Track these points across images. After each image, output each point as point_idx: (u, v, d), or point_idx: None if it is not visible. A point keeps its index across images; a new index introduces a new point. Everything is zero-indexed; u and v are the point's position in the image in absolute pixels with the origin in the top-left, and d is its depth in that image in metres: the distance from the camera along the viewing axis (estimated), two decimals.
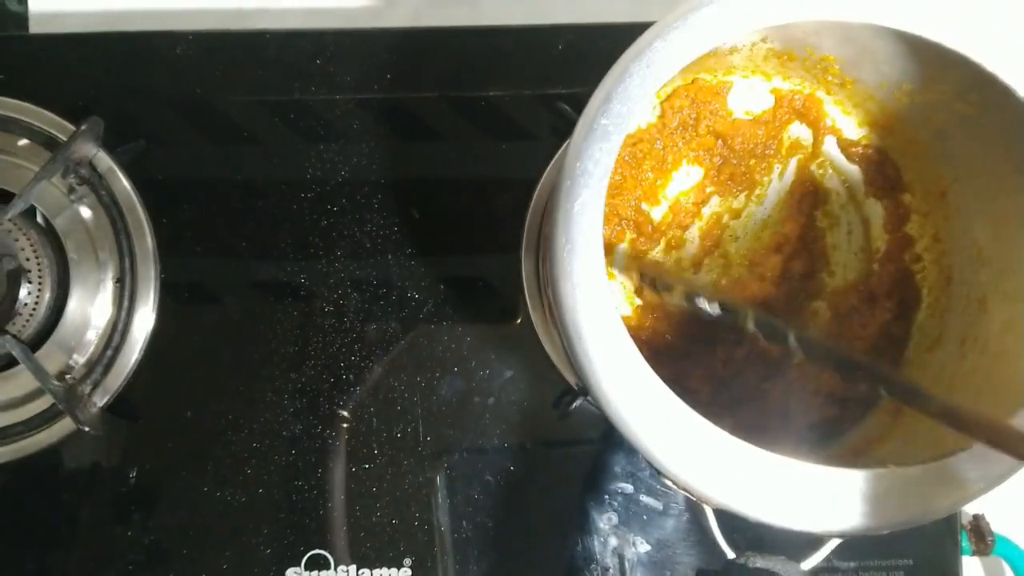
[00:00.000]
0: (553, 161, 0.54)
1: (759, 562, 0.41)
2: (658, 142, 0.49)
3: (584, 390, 0.51)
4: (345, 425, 0.53)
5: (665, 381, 0.35)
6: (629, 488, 0.53)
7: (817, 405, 0.47)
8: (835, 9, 0.38)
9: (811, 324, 0.49)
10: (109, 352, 0.52)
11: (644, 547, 0.53)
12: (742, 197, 0.50)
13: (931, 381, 0.44)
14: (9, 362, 0.52)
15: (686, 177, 0.50)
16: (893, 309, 0.47)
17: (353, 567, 0.52)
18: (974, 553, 0.54)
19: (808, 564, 0.44)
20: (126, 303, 0.53)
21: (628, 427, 0.35)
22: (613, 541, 0.53)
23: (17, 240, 0.52)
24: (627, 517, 0.53)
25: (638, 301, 0.50)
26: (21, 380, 0.52)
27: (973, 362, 0.42)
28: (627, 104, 0.36)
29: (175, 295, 0.54)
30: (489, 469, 0.53)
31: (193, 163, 0.56)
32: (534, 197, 0.54)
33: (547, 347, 0.54)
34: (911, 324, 0.47)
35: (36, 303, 0.52)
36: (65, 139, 0.53)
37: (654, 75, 0.36)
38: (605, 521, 0.53)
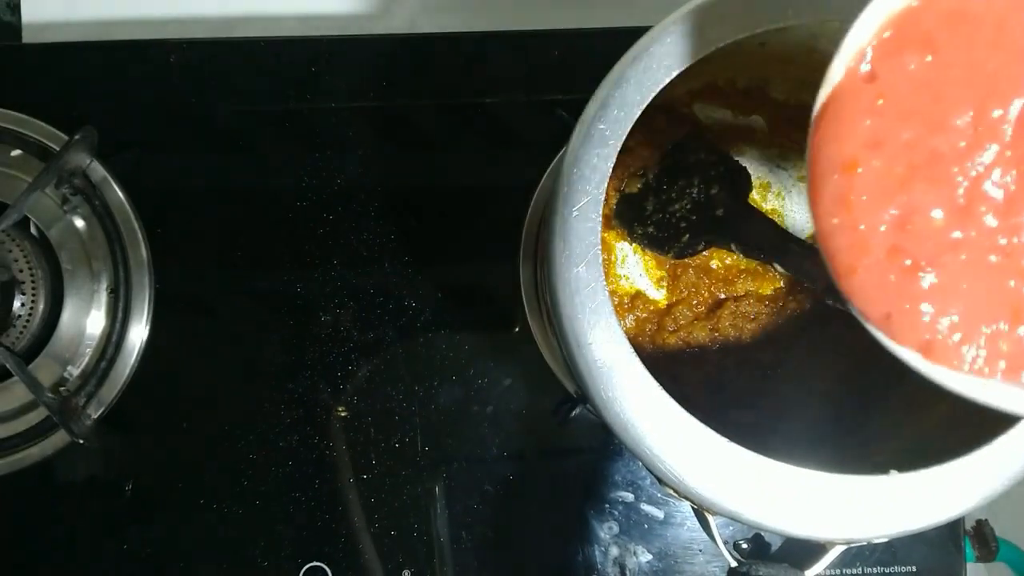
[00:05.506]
0: (550, 167, 0.54)
1: (762, 570, 0.40)
2: None
3: (583, 398, 0.51)
4: (343, 435, 0.53)
5: (662, 386, 0.34)
6: (630, 497, 0.53)
7: (814, 405, 0.47)
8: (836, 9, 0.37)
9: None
10: (103, 363, 0.52)
11: (646, 556, 0.52)
12: None
13: None
14: (2, 375, 0.51)
15: None
16: None
17: None
18: (978, 559, 0.54)
19: (811, 572, 0.43)
20: (120, 314, 0.52)
21: (629, 434, 0.34)
22: (614, 551, 0.52)
23: (11, 251, 0.51)
24: (628, 526, 0.53)
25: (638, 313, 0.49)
26: (15, 393, 0.51)
27: None
28: (624, 109, 0.36)
29: (170, 305, 0.54)
30: (488, 478, 0.53)
31: (188, 172, 0.55)
32: (531, 204, 0.54)
33: (546, 355, 0.53)
34: None
35: (30, 315, 0.51)
36: (58, 149, 0.52)
37: (651, 80, 0.36)
38: (606, 530, 0.53)
